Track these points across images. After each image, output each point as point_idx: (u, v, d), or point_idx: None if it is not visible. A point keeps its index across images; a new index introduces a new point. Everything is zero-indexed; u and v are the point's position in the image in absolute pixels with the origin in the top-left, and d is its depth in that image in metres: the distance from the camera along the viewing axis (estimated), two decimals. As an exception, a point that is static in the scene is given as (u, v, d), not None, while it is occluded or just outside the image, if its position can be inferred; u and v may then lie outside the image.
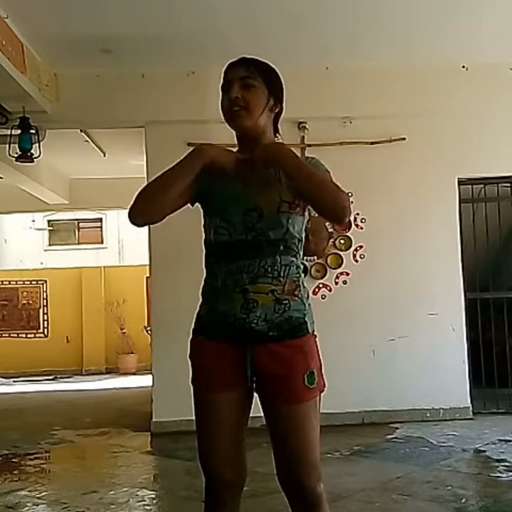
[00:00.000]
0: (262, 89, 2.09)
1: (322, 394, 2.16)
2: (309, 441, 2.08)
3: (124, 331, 11.74)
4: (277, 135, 2.27)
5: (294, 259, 2.05)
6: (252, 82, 2.07)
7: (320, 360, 2.13)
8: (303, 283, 2.07)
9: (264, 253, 1.98)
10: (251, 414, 2.16)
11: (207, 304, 2.07)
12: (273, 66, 2.22)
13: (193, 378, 2.10)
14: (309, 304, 2.08)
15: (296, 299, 2.02)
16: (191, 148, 2.16)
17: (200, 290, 2.14)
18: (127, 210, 2.06)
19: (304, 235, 2.11)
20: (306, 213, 2.11)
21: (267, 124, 2.13)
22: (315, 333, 2.13)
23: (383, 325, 5.86)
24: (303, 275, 2.09)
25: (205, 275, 2.13)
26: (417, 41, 5.40)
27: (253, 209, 1.99)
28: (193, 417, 2.12)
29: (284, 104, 2.27)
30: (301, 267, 2.10)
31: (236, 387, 2.04)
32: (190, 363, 2.12)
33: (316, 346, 2.12)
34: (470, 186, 6.07)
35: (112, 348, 11.82)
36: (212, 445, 2.05)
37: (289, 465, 2.05)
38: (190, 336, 2.15)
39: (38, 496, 4.12)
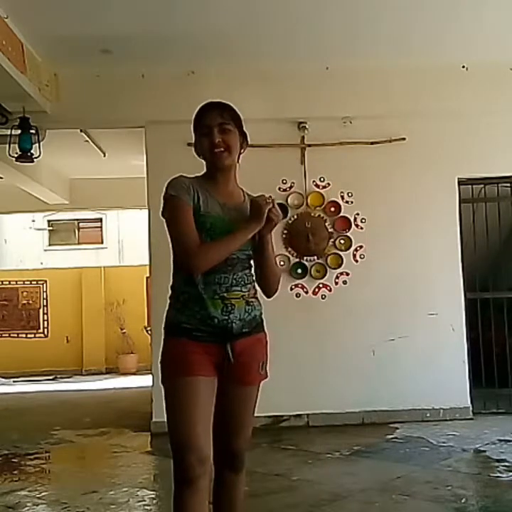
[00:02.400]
0: (236, 132, 2.48)
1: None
2: (251, 417, 2.51)
3: (124, 331, 11.74)
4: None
5: (250, 269, 2.49)
6: (228, 128, 2.46)
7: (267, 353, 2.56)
8: (255, 287, 2.51)
9: (236, 268, 2.41)
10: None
11: (187, 310, 2.37)
12: (237, 109, 2.57)
13: (170, 368, 2.35)
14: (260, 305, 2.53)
15: (256, 300, 2.49)
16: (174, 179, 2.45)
17: (172, 298, 2.44)
18: (189, 262, 2.34)
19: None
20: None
21: (236, 161, 2.53)
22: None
23: (383, 325, 5.86)
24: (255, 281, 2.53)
25: (175, 284, 2.43)
26: (417, 41, 5.40)
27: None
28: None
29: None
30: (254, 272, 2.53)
31: (212, 376, 2.35)
32: (165, 359, 2.38)
33: (267, 341, 2.57)
34: (470, 186, 6.07)
35: (112, 348, 11.82)
36: (194, 420, 2.25)
37: (232, 436, 2.45)
38: (163, 336, 2.42)
39: (38, 496, 4.12)
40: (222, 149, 2.43)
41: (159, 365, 2.40)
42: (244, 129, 2.54)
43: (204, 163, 2.51)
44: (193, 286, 2.36)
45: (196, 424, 2.24)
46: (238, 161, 2.54)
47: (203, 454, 2.23)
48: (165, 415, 2.33)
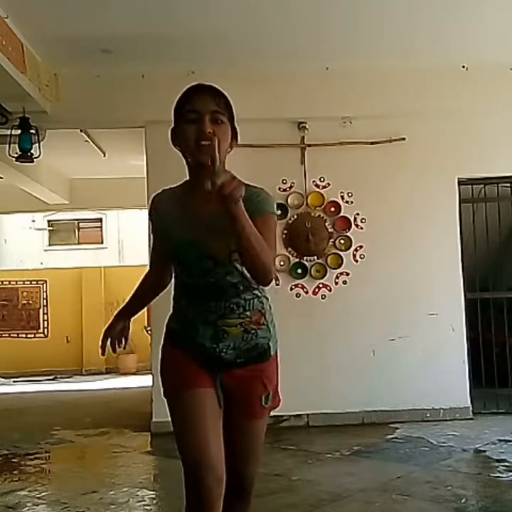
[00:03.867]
0: (228, 126, 2.12)
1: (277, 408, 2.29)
2: (256, 449, 2.25)
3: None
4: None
5: (256, 292, 2.15)
6: (221, 118, 2.09)
7: (277, 379, 2.23)
8: (268, 309, 2.19)
9: (229, 294, 2.09)
10: None
11: (180, 325, 2.18)
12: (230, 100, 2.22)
13: (169, 379, 2.18)
14: (274, 326, 2.21)
15: (263, 326, 2.15)
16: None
17: (173, 301, 2.24)
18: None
19: None
20: None
21: (225, 157, 2.14)
22: (277, 351, 2.23)
23: (383, 325, 5.86)
24: (266, 301, 2.18)
25: (174, 289, 2.24)
26: (417, 41, 5.40)
27: (207, 256, 2.05)
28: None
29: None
30: (264, 294, 2.19)
31: (212, 388, 2.13)
32: (163, 369, 2.22)
33: (277, 365, 2.23)
34: (470, 186, 6.07)
35: (111, 348, 11.80)
36: (206, 438, 2.04)
37: (237, 464, 2.19)
38: (163, 342, 2.24)
39: (38, 496, 4.12)
40: (207, 142, 1.99)
41: (159, 375, 2.26)
42: (235, 123, 2.20)
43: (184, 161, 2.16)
44: (184, 307, 2.17)
45: (209, 443, 2.02)
46: (224, 160, 2.15)
47: (219, 473, 2.01)
48: (171, 426, 2.16)
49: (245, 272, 2.04)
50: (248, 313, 2.11)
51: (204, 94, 2.15)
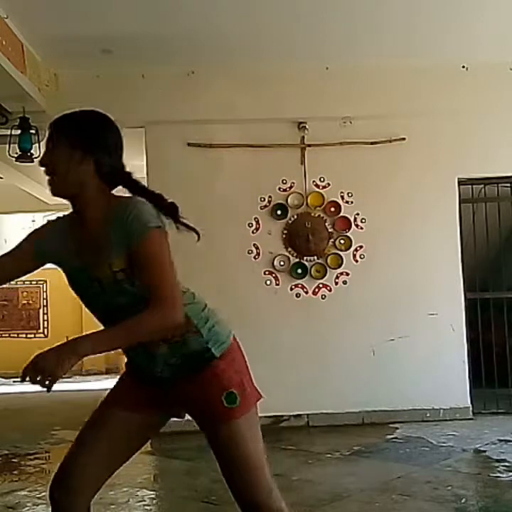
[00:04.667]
0: (64, 145, 1.92)
1: (258, 402, 2.06)
2: (245, 458, 1.98)
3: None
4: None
5: None
6: (52, 144, 1.95)
7: (241, 376, 2.02)
8: (196, 312, 1.99)
9: (135, 313, 1.86)
10: None
11: (126, 352, 2.08)
12: (88, 114, 2.04)
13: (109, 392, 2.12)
14: (211, 327, 2.00)
15: (190, 333, 1.96)
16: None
17: None
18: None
19: None
20: None
21: (84, 180, 1.92)
22: (228, 348, 2.02)
23: (383, 325, 5.86)
24: (191, 305, 2.00)
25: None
26: (417, 41, 5.40)
27: (95, 280, 1.94)
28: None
29: (105, 152, 1.97)
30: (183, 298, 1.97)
31: (136, 411, 2.03)
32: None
33: (233, 361, 2.02)
34: (470, 186, 6.07)
35: (111, 348, 11.80)
36: (74, 455, 2.03)
37: (234, 483, 2.00)
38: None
39: (38, 496, 4.11)
40: (48, 176, 1.93)
41: None
42: (88, 135, 1.95)
43: None
44: None
45: (75, 460, 2.01)
46: (107, 176, 1.95)
47: (68, 482, 1.99)
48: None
49: (141, 288, 1.87)
50: None
51: (50, 128, 2.01)
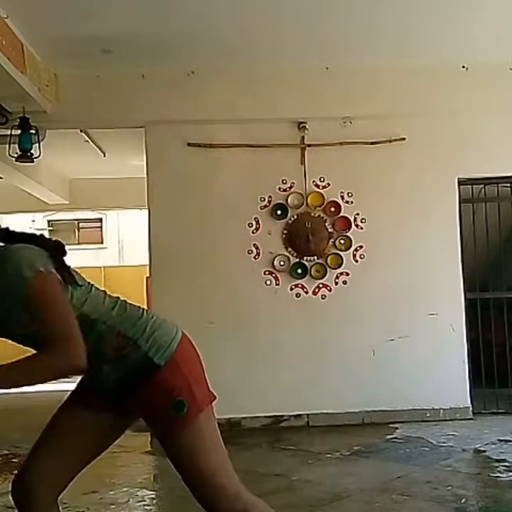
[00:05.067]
0: None
1: (213, 403, 2.01)
2: (201, 465, 1.92)
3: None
4: None
5: (99, 328, 1.92)
6: None
7: (189, 380, 1.95)
8: (129, 324, 1.95)
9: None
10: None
11: None
12: None
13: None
14: (151, 335, 1.94)
15: (128, 347, 1.92)
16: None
17: None
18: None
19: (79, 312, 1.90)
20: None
21: None
22: (170, 355, 1.94)
23: (383, 325, 5.86)
24: (124, 318, 1.95)
25: None
26: (417, 41, 5.40)
27: (8, 334, 1.95)
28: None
29: None
30: (113, 315, 1.95)
31: (105, 413, 2.03)
32: None
33: (179, 369, 1.95)
34: (470, 186, 6.06)
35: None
36: (34, 451, 2.03)
37: (195, 490, 1.96)
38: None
39: (38, 496, 4.11)
40: None
41: None
42: None
43: None
44: None
45: (34, 457, 2.03)
46: None
47: (25, 478, 2.02)
48: None
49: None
50: (102, 349, 1.91)
51: None
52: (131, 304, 2.03)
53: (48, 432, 2.06)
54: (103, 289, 2.08)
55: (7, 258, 1.82)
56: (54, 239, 1.97)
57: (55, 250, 1.92)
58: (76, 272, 1.98)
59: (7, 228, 1.99)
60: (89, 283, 2.04)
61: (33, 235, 1.94)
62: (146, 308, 2.07)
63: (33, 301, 1.80)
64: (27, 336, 1.91)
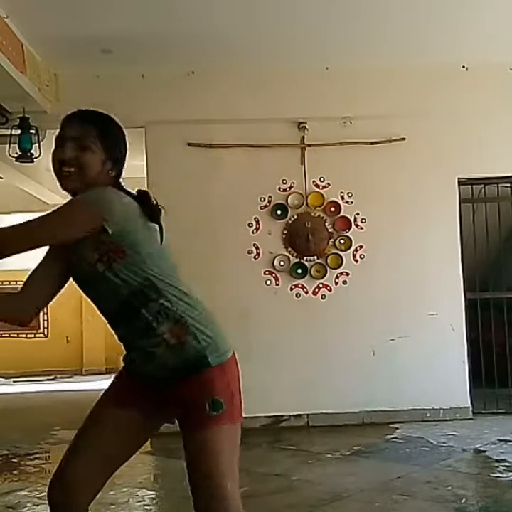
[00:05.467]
0: (96, 152, 2.00)
1: (237, 424, 1.99)
2: (215, 465, 1.91)
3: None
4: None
5: (162, 301, 1.93)
6: (86, 144, 2.01)
7: (232, 389, 1.98)
8: (192, 315, 1.96)
9: (129, 313, 1.94)
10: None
11: (126, 347, 2.09)
12: (115, 123, 2.17)
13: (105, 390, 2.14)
14: (211, 337, 1.96)
15: (189, 338, 1.93)
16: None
17: None
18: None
19: (150, 271, 1.94)
20: (129, 251, 1.91)
21: (103, 185, 1.99)
22: (225, 360, 1.98)
23: (383, 325, 5.86)
24: (184, 307, 1.96)
25: None
26: (417, 41, 5.40)
27: (85, 278, 2.00)
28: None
29: (123, 166, 2.11)
30: (178, 299, 1.96)
31: (132, 408, 2.03)
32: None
33: (226, 376, 1.97)
34: (470, 186, 6.07)
35: (111, 348, 11.81)
36: (73, 454, 2.02)
37: (196, 489, 1.96)
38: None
39: (38, 495, 4.11)
40: (72, 170, 2.02)
41: None
42: (118, 152, 2.09)
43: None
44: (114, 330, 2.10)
45: (73, 459, 2.01)
46: (94, 182, 1.99)
47: (64, 482, 1.99)
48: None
49: (124, 281, 1.90)
50: (163, 328, 1.92)
51: (73, 121, 2.07)
52: (203, 304, 2.04)
53: (85, 433, 2.05)
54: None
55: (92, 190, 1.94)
56: (155, 202, 2.00)
57: (153, 211, 1.97)
58: (162, 229, 2.00)
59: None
60: (169, 252, 2.07)
61: (139, 191, 2.01)
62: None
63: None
64: (104, 284, 1.93)
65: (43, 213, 2.02)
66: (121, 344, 2.06)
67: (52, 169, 2.10)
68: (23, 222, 1.94)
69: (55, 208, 1.98)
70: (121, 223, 1.88)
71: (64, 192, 2.10)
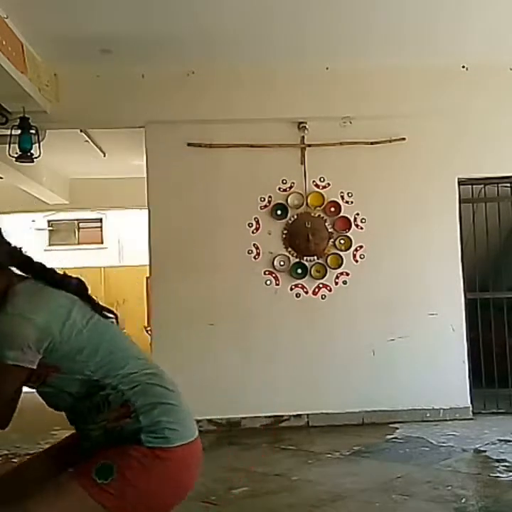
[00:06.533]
0: None
1: None
2: (40, 503, 1.78)
3: (124, 331, 11.73)
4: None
5: (108, 391, 1.86)
6: None
7: (136, 478, 1.79)
8: (140, 394, 1.87)
9: (72, 409, 1.92)
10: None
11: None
12: None
13: None
14: (159, 419, 1.85)
15: (129, 419, 1.84)
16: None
17: None
18: None
19: (91, 372, 1.87)
20: (64, 364, 1.86)
21: None
22: (160, 451, 1.82)
23: (383, 325, 5.86)
24: (130, 390, 1.87)
25: None
26: (417, 41, 5.39)
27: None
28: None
29: (11, 245, 2.10)
30: (129, 379, 1.88)
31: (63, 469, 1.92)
32: None
33: (147, 471, 1.80)
34: (470, 186, 6.07)
35: (111, 348, 11.81)
36: None
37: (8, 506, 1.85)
38: None
39: (38, 496, 4.11)
40: None
41: None
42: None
43: None
44: None
45: None
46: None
47: None
48: None
49: (62, 388, 1.88)
50: (102, 416, 1.85)
51: None
52: (162, 380, 1.95)
53: (14, 471, 2.11)
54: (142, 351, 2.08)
55: (8, 306, 1.83)
56: (75, 278, 1.96)
57: (78, 290, 1.94)
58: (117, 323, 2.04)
59: (42, 265, 2.03)
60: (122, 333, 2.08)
61: (54, 272, 1.97)
62: (173, 387, 1.97)
63: None
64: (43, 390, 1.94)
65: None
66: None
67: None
68: None
69: None
70: (45, 341, 1.80)
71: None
